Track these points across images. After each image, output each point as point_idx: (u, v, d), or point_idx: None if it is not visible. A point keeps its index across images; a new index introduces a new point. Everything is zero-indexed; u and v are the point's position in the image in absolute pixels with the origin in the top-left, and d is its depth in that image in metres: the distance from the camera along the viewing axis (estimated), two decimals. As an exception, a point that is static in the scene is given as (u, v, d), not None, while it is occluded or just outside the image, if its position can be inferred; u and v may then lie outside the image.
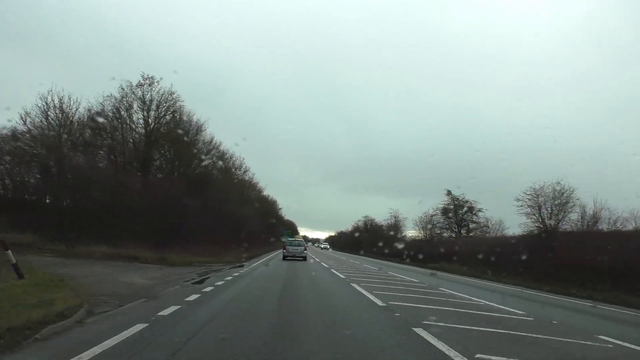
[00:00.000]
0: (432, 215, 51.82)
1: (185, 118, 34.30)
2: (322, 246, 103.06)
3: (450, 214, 50.52)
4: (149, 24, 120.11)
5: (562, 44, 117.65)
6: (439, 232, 51.60)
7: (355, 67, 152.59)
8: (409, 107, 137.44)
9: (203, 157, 41.83)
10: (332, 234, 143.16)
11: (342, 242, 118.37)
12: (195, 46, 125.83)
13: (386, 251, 59.97)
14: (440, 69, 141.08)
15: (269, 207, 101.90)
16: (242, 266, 26.83)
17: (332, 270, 26.78)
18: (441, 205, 50.92)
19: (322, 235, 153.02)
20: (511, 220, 47.61)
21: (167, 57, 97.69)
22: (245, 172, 71.40)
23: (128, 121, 31.20)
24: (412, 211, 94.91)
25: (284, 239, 75.72)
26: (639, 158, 32.21)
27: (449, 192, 50.84)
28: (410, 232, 67.32)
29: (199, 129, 41.07)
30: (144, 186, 29.63)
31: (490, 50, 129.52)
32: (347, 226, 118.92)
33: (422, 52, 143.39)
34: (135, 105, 31.20)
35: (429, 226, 52.87)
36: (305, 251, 37.82)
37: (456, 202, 50.19)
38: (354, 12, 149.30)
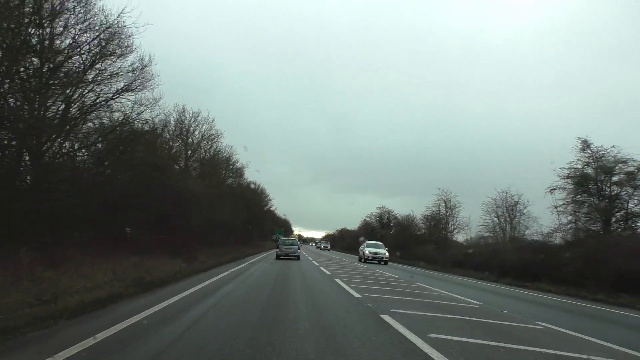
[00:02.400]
0: (550, 190, 27.03)
1: None
2: (371, 252, 37.98)
3: (590, 185, 26.05)
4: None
5: (549, 44, 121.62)
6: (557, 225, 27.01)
7: (344, 69, 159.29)
8: (399, 108, 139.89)
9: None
10: (331, 232, 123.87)
11: (346, 244, 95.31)
12: (180, 45, 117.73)
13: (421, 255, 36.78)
14: (428, 70, 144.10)
15: (257, 198, 76.71)
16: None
17: None
18: (564, 170, 26.57)
19: (318, 234, 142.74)
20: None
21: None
22: (218, 137, 47.20)
23: None
24: (402, 210, 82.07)
25: (275, 237, 69.07)
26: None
27: (585, 144, 26.40)
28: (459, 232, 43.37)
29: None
30: None
31: (477, 50, 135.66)
32: (343, 224, 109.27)
33: (410, 53, 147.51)
34: None
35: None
36: (298, 250, 35.70)
37: (600, 163, 26.35)
38: (348, 15, 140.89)
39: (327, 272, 21.84)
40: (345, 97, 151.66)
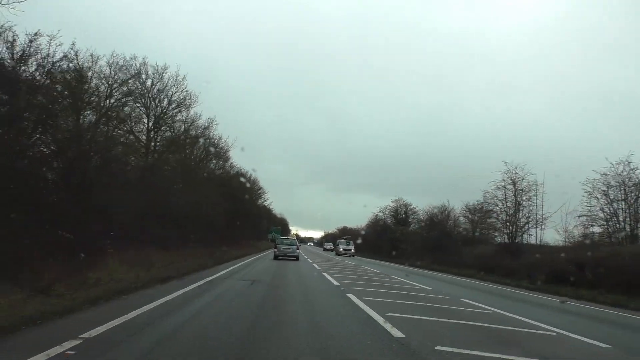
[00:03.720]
0: None
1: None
2: None
3: None
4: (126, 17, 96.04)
5: (544, 41, 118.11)
6: None
7: (342, 69, 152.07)
8: (395, 108, 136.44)
9: None
10: (330, 231, 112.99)
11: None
12: (176, 42, 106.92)
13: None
14: (425, 69, 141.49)
15: (247, 189, 63.62)
16: None
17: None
18: None
19: (315, 234, 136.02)
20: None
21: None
22: (192, 101, 34.67)
23: None
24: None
25: (271, 237, 64.12)
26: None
27: None
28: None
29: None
30: None
31: (473, 48, 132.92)
32: (342, 223, 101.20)
33: (406, 51, 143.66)
34: None
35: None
36: (297, 250, 34.06)
37: None
38: (341, 9, 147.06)
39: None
40: (342, 95, 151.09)
